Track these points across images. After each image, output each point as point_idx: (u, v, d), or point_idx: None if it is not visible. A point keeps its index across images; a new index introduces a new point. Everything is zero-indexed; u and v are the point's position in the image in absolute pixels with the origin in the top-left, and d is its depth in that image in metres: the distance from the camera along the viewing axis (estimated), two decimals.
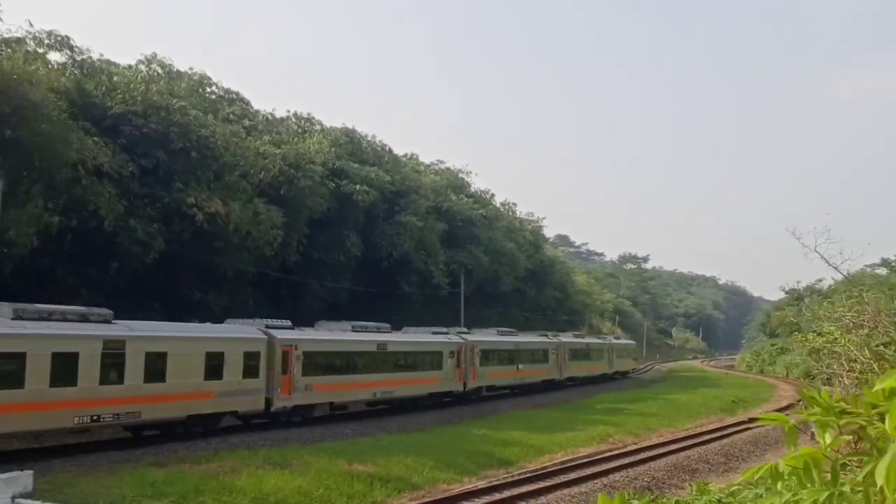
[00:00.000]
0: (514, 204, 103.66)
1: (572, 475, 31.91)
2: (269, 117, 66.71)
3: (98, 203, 38.93)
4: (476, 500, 27.05)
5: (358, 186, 58.69)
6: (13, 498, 21.61)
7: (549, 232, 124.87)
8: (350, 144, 65.98)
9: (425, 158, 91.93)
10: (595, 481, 31.11)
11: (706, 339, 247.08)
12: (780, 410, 52.17)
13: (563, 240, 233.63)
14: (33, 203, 35.07)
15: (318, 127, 68.15)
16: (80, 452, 30.09)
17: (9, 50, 38.75)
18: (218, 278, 46.13)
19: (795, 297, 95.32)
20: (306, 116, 70.17)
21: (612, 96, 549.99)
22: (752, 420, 42.36)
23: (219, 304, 44.93)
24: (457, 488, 28.91)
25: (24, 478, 22.48)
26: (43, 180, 36.29)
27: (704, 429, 49.23)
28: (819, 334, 28.75)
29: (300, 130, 66.21)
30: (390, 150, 75.47)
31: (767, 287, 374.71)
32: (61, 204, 37.83)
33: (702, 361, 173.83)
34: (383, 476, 28.60)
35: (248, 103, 64.87)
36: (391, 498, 26.93)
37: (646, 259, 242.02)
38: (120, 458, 29.48)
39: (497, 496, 27.64)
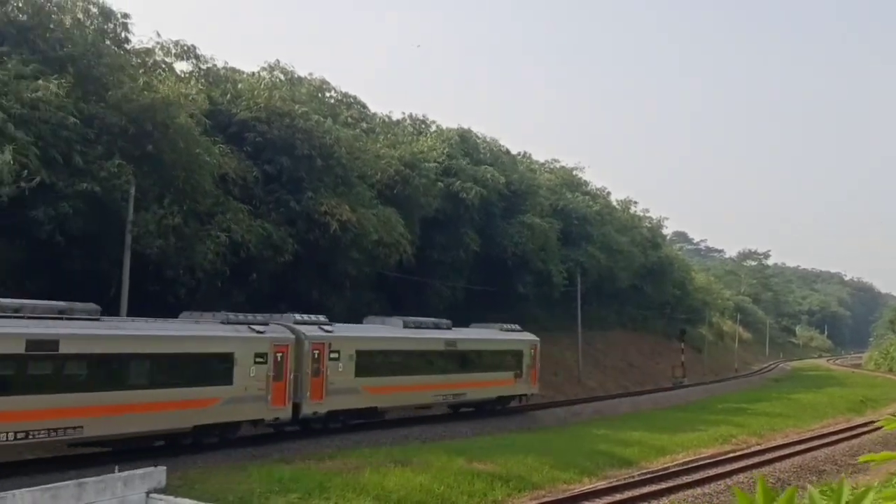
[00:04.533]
0: (635, 202, 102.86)
1: (695, 476, 31.78)
2: (386, 120, 67.37)
3: (241, 229, 39.99)
4: (597, 500, 27.06)
5: (465, 184, 58.90)
6: (148, 493, 22.46)
7: (668, 229, 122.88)
8: (463, 144, 66.12)
9: (539, 157, 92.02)
10: (718, 482, 30.90)
11: (831, 337, 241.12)
12: None
13: (682, 237, 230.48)
14: (157, 204, 36.26)
15: (433, 128, 68.61)
16: (210, 449, 30.80)
17: (149, 62, 40.41)
18: (339, 281, 46.79)
19: None
20: (421, 118, 70.70)
21: (727, 88, 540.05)
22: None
23: (340, 306, 45.47)
24: (577, 488, 28.93)
25: (157, 474, 23.37)
26: (185, 202, 37.62)
27: (831, 429, 48.32)
28: None
29: (415, 132, 66.76)
30: (507, 151, 75.58)
31: None
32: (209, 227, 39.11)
33: (827, 360, 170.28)
34: (503, 475, 28.70)
35: (364, 106, 65.73)
36: (511, 497, 27.05)
37: (767, 255, 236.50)
38: (248, 454, 30.31)
39: (618, 496, 27.61)
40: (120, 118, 35.56)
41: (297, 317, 35.76)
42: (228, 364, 31.08)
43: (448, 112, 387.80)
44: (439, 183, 57.06)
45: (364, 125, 59.93)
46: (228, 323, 32.07)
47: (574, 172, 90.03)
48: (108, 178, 33.23)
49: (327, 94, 60.71)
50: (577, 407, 55.14)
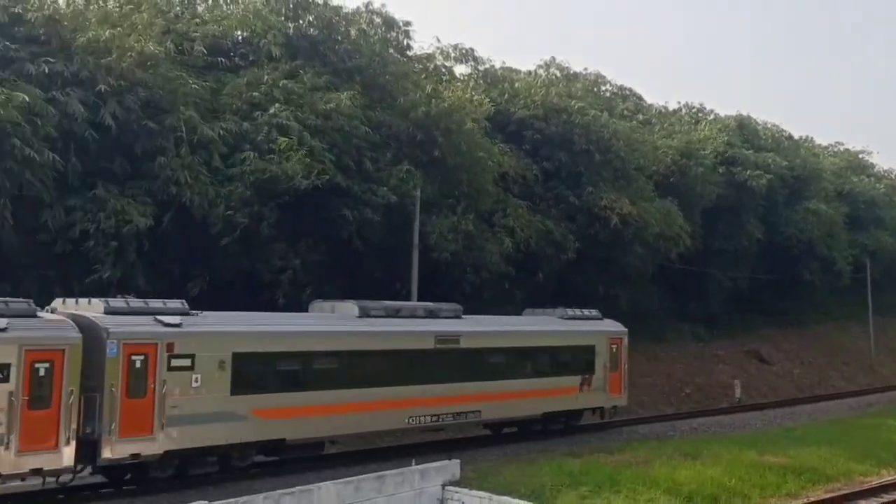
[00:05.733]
0: None
1: None
2: (662, 110, 67.10)
3: (521, 224, 40.77)
4: None
5: (754, 173, 57.62)
6: (443, 485, 23.81)
7: None
8: (741, 131, 64.69)
9: (822, 140, 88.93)
10: None
11: None
12: None
13: None
14: (451, 212, 37.60)
15: (711, 116, 67.41)
16: (500, 443, 31.90)
17: (430, 67, 42.06)
18: (619, 275, 47.03)
19: None
20: (698, 106, 69.68)
21: None
22: None
23: (623, 299, 45.69)
24: (875, 480, 28.00)
25: (452, 466, 24.70)
26: (470, 205, 38.70)
27: None
28: None
29: (692, 121, 65.95)
30: (790, 136, 73.46)
31: None
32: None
33: None
34: (796, 467, 28.00)
35: (640, 98, 65.68)
36: (805, 490, 26.38)
37: None
38: (537, 448, 30.85)
39: None
40: (407, 125, 36.98)
41: (112, 303, 22.62)
42: None
43: (727, 100, 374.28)
44: (720, 171, 56.21)
45: (640, 117, 59.88)
46: None
47: (860, 156, 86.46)
48: (398, 184, 34.63)
49: (603, 88, 61.08)
50: (870, 397, 53.33)
